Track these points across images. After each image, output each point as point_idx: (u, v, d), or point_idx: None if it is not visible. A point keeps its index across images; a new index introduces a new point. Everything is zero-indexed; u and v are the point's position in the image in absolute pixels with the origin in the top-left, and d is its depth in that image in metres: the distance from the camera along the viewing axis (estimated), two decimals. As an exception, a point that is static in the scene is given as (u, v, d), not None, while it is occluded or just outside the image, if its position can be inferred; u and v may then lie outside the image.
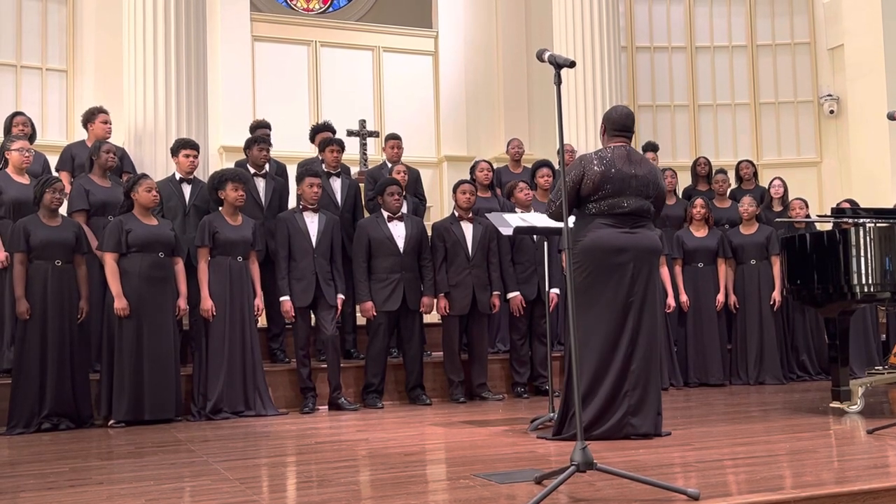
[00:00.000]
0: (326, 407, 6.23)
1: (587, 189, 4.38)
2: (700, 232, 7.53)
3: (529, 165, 7.85)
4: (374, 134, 9.32)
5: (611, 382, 4.28)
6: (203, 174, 6.86)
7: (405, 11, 12.29)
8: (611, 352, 4.30)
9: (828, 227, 5.75)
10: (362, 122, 9.08)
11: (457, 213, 6.64)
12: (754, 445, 4.02)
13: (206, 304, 5.84)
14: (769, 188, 8.32)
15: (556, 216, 4.53)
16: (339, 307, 6.28)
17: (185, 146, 6.41)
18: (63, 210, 5.86)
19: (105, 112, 6.70)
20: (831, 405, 5.39)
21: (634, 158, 4.49)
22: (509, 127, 10.49)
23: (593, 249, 4.33)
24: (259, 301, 6.08)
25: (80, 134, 7.15)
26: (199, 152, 6.53)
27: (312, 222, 6.26)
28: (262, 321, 6.61)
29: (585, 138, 8.62)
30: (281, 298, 6.15)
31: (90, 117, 6.67)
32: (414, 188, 7.47)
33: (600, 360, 4.29)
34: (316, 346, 6.47)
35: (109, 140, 6.52)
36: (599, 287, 4.32)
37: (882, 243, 5.05)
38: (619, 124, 4.56)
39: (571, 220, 4.80)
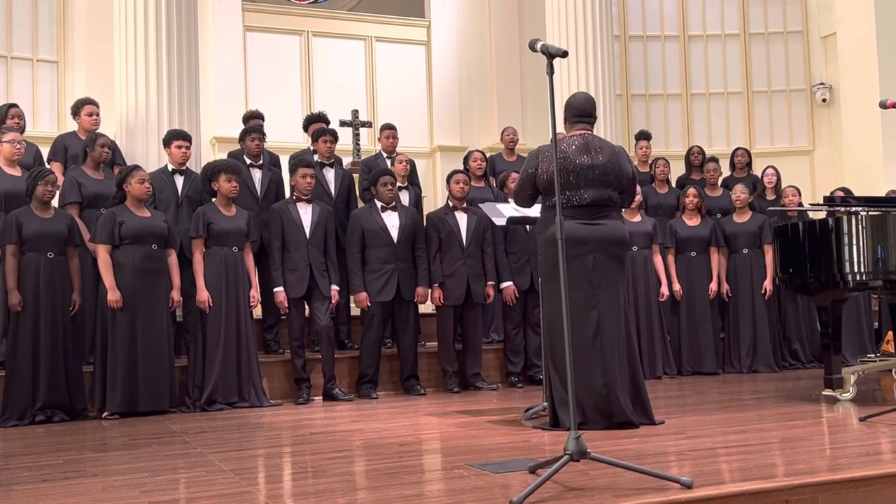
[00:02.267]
0: (321, 398, 6.24)
1: (542, 181, 4.34)
2: (693, 221, 7.55)
3: (523, 154, 7.83)
4: (367, 124, 9.29)
5: (581, 374, 4.22)
6: (195, 165, 6.84)
7: (397, 1, 12.25)
8: (575, 343, 4.25)
9: (820, 215, 5.76)
10: (355, 113, 9.06)
11: (451, 204, 6.64)
12: (747, 433, 4.04)
13: (202, 295, 5.83)
14: (762, 177, 8.33)
15: (519, 204, 4.65)
16: (335, 298, 6.28)
17: (177, 137, 6.39)
18: (55, 202, 5.84)
19: (92, 103, 6.66)
20: (824, 393, 5.42)
21: (593, 146, 4.39)
22: (502, 116, 10.48)
23: (553, 241, 4.27)
24: (255, 292, 6.08)
25: (71, 125, 7.12)
26: (191, 143, 6.51)
27: (306, 213, 6.25)
28: (257, 312, 6.61)
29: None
30: (275, 289, 6.15)
31: (77, 109, 6.66)
32: (411, 178, 7.46)
33: (565, 351, 4.25)
34: (310, 337, 6.47)
35: (99, 131, 6.49)
36: (559, 279, 4.26)
37: (874, 231, 5.06)
38: (578, 110, 4.49)
39: (537, 209, 4.81)
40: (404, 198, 7.02)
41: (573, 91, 8.75)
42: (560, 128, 4.53)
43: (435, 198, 10.08)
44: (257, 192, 6.68)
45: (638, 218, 7.18)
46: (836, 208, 5.77)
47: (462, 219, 6.57)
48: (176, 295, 5.85)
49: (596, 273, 4.31)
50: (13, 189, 5.88)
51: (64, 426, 5.29)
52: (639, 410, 4.33)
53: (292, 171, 6.37)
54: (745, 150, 8.90)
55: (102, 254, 5.61)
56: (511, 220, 5.24)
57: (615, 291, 4.37)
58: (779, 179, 8.24)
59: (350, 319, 7.09)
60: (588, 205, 4.34)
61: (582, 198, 4.34)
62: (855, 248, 5.08)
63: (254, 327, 6.12)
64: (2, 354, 5.66)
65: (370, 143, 9.66)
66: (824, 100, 11.02)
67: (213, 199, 6.06)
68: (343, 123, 8.73)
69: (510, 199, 6.52)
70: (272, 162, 7.10)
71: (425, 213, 7.33)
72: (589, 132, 4.48)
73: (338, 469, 3.50)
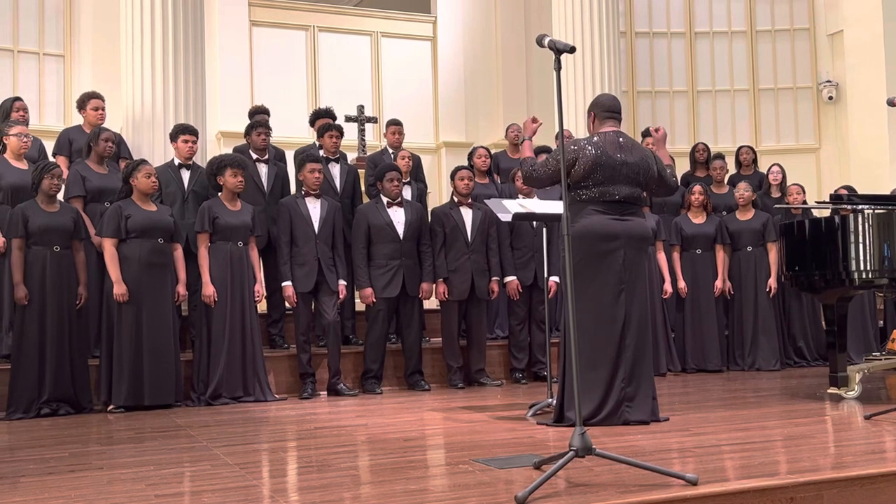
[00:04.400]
0: (325, 392, 6.25)
1: (578, 174, 4.37)
2: (698, 218, 7.53)
3: (528, 151, 7.80)
4: (373, 120, 9.29)
5: (605, 370, 4.29)
6: (201, 160, 6.84)
7: (404, -4, 12.25)
8: (602, 338, 4.31)
9: (826, 213, 5.75)
10: (360, 108, 9.06)
11: (456, 199, 6.64)
12: (752, 431, 4.04)
13: (208, 290, 5.83)
14: (767, 174, 8.31)
15: (530, 181, 4.57)
16: (342, 293, 6.28)
17: (183, 132, 6.39)
18: (60, 196, 5.85)
19: (98, 97, 6.66)
20: (829, 391, 5.41)
21: (626, 145, 4.47)
22: (508, 113, 10.47)
23: (584, 236, 4.32)
24: (259, 286, 6.08)
25: (77, 119, 7.14)
26: (197, 138, 6.51)
27: (314, 208, 6.25)
28: (261, 307, 6.61)
29: (584, 124, 8.60)
30: (283, 284, 6.15)
31: (82, 103, 6.66)
32: (416, 174, 7.46)
33: (591, 346, 4.29)
34: (314, 332, 6.48)
35: (105, 125, 6.50)
36: (590, 274, 4.31)
37: (880, 230, 5.05)
38: (607, 107, 4.55)
39: (542, 204, 4.81)
40: (406, 194, 7.02)
41: (578, 88, 8.82)
42: (566, 124, 4.54)
43: (440, 194, 10.09)
44: (264, 187, 6.68)
45: (642, 215, 7.17)
46: (842, 206, 5.76)
47: (467, 214, 6.57)
48: (182, 289, 5.86)
49: (626, 269, 4.36)
50: (20, 182, 5.88)
51: (69, 419, 5.31)
52: (646, 407, 4.34)
53: (300, 166, 6.37)
54: (750, 147, 8.87)
55: (109, 247, 5.62)
56: (517, 216, 5.23)
57: (642, 288, 4.44)
58: (784, 177, 8.22)
59: (355, 315, 7.10)
60: (619, 201, 4.40)
61: (614, 194, 4.38)
62: (861, 246, 5.08)
63: (258, 322, 6.13)
64: (8, 348, 5.67)
65: (375, 139, 9.66)
66: (831, 97, 10.99)
67: (219, 194, 6.06)
68: (348, 119, 8.73)
69: (520, 195, 6.52)
70: (277, 157, 7.10)
71: (430, 209, 7.33)
72: (619, 129, 4.54)
73: (342, 463, 3.51)
